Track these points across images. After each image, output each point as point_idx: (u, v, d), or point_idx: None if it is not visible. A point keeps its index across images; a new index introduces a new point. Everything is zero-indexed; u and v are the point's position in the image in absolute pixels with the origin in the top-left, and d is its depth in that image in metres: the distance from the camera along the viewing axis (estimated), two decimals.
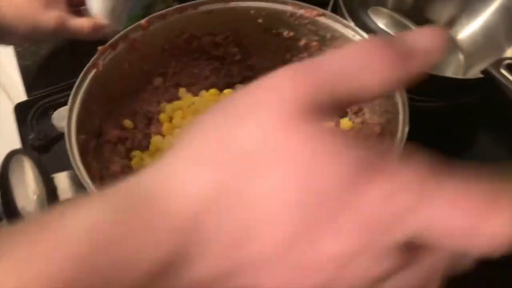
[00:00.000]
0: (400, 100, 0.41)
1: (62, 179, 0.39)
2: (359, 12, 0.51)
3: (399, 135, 0.38)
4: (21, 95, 0.67)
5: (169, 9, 0.47)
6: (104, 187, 0.19)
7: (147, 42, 0.48)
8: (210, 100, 0.50)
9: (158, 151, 0.48)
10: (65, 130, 0.40)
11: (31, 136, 0.58)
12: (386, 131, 0.45)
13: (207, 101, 0.50)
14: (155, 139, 0.48)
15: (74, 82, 0.63)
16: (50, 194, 0.38)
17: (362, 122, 0.49)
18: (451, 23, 0.70)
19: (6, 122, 0.65)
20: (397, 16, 0.51)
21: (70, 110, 0.42)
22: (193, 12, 0.48)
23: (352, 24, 0.49)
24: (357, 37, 0.47)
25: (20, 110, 0.62)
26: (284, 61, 0.53)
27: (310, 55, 0.52)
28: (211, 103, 0.51)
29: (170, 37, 0.49)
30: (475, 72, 0.57)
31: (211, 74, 0.54)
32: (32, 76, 0.67)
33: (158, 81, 0.52)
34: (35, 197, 0.37)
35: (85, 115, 0.43)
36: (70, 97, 0.42)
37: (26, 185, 0.38)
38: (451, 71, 0.65)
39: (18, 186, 0.37)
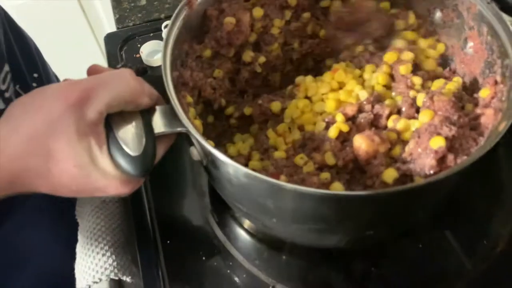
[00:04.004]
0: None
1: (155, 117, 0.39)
2: None
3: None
4: (110, 28, 0.71)
5: None
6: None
7: None
8: None
9: None
10: (162, 65, 0.40)
11: (119, 66, 0.61)
12: None
13: None
14: None
15: (162, 19, 0.66)
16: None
17: None
18: None
19: (93, 55, 0.69)
20: None
21: (165, 46, 0.41)
22: None
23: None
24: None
25: (110, 41, 0.65)
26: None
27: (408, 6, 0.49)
28: None
29: None
30: None
31: None
32: (122, 9, 0.69)
33: None
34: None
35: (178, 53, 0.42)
36: (165, 35, 0.42)
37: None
38: None
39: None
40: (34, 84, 0.56)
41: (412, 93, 0.43)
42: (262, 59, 0.49)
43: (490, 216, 0.47)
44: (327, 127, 0.43)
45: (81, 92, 0.34)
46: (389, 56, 0.46)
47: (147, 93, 0.38)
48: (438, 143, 0.37)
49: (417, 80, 0.44)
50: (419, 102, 0.42)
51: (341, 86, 0.47)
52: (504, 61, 0.40)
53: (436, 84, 0.44)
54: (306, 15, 0.51)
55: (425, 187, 0.34)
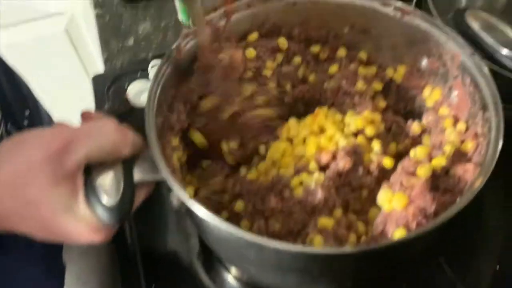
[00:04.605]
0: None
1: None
2: (455, 15, 0.48)
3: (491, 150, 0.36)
4: (98, 70, 0.71)
5: None
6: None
7: (230, 29, 0.47)
8: None
9: None
10: (145, 114, 0.39)
11: (106, 107, 0.60)
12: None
13: None
14: None
15: (149, 59, 0.66)
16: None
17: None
18: None
19: (83, 92, 0.68)
20: (495, 20, 0.48)
21: (150, 94, 0.41)
22: (277, 2, 0.47)
23: (444, 25, 0.46)
24: (450, 42, 0.44)
25: (98, 81, 0.64)
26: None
27: (396, 55, 0.49)
28: None
29: (253, 26, 0.48)
30: None
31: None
32: (110, 50, 0.69)
33: None
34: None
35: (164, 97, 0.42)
36: (152, 81, 0.42)
37: None
38: None
39: None
40: (26, 122, 0.56)
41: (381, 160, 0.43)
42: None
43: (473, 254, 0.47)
44: (297, 173, 0.42)
45: (62, 141, 0.35)
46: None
47: (130, 142, 0.38)
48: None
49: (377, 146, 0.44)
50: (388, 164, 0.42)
51: (322, 130, 0.47)
52: (485, 114, 0.40)
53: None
54: (297, 59, 0.51)
55: (394, 246, 0.33)
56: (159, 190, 0.41)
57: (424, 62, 0.48)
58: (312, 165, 0.42)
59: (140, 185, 0.38)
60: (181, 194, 0.35)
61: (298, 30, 0.50)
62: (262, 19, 0.48)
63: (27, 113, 0.58)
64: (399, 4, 0.46)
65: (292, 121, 0.47)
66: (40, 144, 0.35)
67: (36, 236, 0.37)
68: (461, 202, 0.34)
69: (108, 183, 0.36)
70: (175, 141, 0.42)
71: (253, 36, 0.49)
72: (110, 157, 0.37)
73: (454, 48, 0.44)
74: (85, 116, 0.41)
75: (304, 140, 0.45)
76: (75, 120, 0.46)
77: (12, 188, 0.34)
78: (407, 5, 0.46)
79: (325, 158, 0.42)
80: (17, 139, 0.36)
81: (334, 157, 0.42)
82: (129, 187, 0.37)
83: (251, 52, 0.49)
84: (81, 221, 0.36)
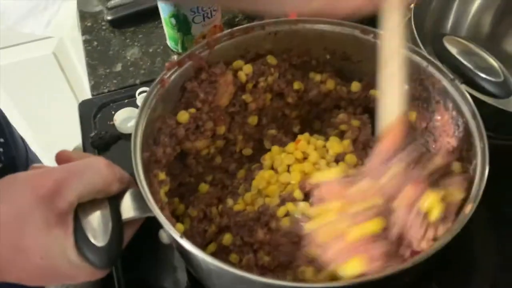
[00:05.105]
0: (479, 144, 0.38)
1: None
2: (433, 40, 0.49)
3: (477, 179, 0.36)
4: (86, 93, 0.70)
5: (236, 28, 0.47)
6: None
7: (213, 60, 0.47)
8: None
9: None
10: (131, 149, 0.39)
11: (92, 134, 0.60)
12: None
13: None
14: None
15: (137, 86, 0.67)
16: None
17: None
18: None
19: (71, 117, 0.68)
20: (473, 46, 0.49)
21: (136, 127, 0.41)
22: (259, 32, 0.48)
23: (424, 51, 0.47)
24: (430, 67, 0.45)
25: (84, 108, 0.64)
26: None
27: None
28: None
29: (236, 56, 0.49)
30: None
31: None
32: (98, 76, 0.69)
33: None
34: None
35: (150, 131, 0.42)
36: (137, 113, 0.42)
37: None
38: None
39: None
40: (1, 150, 0.55)
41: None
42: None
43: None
44: (282, 202, 0.42)
45: (52, 183, 0.34)
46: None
47: (118, 178, 0.37)
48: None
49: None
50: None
51: (306, 156, 0.47)
52: (470, 139, 0.41)
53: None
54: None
55: (388, 277, 0.33)
56: (144, 222, 0.40)
57: (405, 88, 0.49)
58: (297, 193, 0.42)
59: (128, 222, 0.37)
60: (171, 232, 0.34)
61: (281, 58, 0.50)
62: (245, 48, 0.49)
63: (1, 140, 0.57)
64: (378, 31, 0.47)
65: (275, 149, 0.47)
66: (27, 188, 0.34)
67: (27, 283, 0.35)
68: (454, 229, 0.34)
69: (96, 224, 0.35)
70: (162, 175, 0.42)
71: (238, 63, 0.49)
72: (100, 195, 0.36)
73: (435, 73, 0.45)
74: (61, 157, 0.39)
75: (288, 168, 0.46)
76: (61, 145, 0.45)
77: (1, 236, 0.33)
78: None
79: (309, 185, 0.42)
80: (5, 180, 0.35)
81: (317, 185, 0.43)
82: (118, 226, 0.36)
83: (242, 75, 0.49)
84: (74, 265, 0.35)
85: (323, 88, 0.50)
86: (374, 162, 0.38)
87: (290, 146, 0.47)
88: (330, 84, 0.50)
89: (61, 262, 0.34)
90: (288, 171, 0.46)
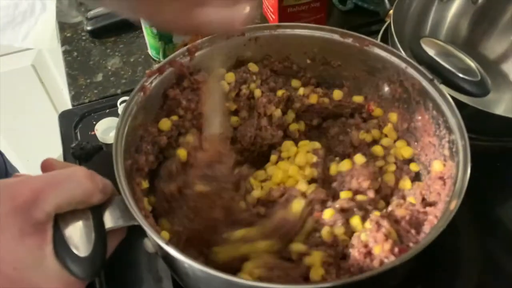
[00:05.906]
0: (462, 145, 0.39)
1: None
2: (411, 42, 0.50)
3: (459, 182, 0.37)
4: (67, 105, 0.69)
5: (216, 34, 0.46)
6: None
7: (194, 66, 0.47)
8: None
9: None
10: (113, 157, 0.38)
11: (73, 144, 0.59)
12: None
13: None
14: None
15: (118, 95, 0.66)
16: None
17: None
18: (504, 59, 0.68)
19: (51, 128, 0.67)
20: (450, 47, 0.50)
21: (117, 135, 0.40)
22: (239, 38, 0.48)
23: (403, 54, 0.47)
24: (409, 68, 0.46)
25: (64, 119, 0.63)
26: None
27: (358, 84, 0.51)
28: None
29: (217, 62, 0.48)
30: None
31: None
32: (78, 86, 0.68)
33: None
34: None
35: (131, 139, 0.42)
36: (118, 121, 0.41)
37: None
38: (502, 109, 0.63)
39: None
40: None
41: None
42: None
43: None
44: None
45: (29, 192, 0.33)
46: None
47: (100, 189, 0.36)
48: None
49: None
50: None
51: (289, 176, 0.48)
52: (450, 136, 0.42)
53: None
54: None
55: (374, 277, 0.33)
56: (128, 232, 0.39)
57: (386, 89, 0.49)
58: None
59: (112, 232, 0.36)
60: (157, 240, 0.34)
61: (262, 65, 0.50)
62: (225, 54, 0.49)
63: None
64: (357, 34, 0.47)
65: (259, 172, 0.48)
66: (4, 196, 0.32)
67: None
68: (440, 225, 0.34)
69: (78, 235, 0.34)
70: (145, 184, 0.41)
71: (220, 71, 0.49)
72: (80, 206, 0.35)
73: (414, 74, 0.46)
74: (45, 165, 0.38)
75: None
76: (42, 157, 0.44)
77: None
78: (367, 37, 0.48)
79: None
80: None
81: None
82: (101, 236, 0.35)
83: (230, 76, 0.49)
84: (52, 277, 0.33)
85: (306, 101, 0.51)
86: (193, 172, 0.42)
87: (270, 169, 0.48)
88: (313, 99, 0.51)
89: (35, 274, 0.33)
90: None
